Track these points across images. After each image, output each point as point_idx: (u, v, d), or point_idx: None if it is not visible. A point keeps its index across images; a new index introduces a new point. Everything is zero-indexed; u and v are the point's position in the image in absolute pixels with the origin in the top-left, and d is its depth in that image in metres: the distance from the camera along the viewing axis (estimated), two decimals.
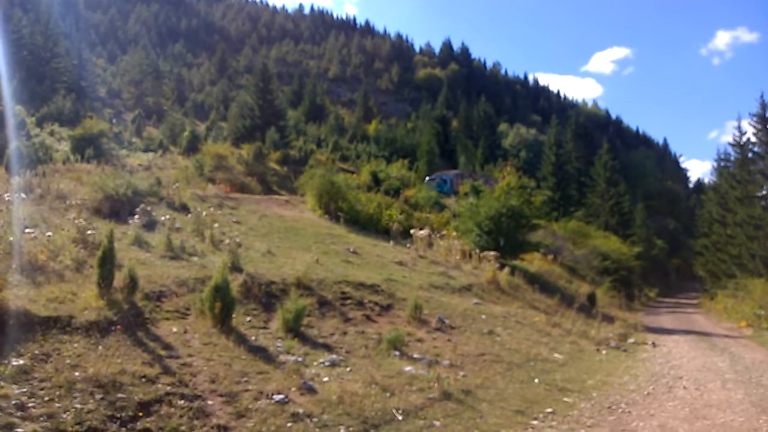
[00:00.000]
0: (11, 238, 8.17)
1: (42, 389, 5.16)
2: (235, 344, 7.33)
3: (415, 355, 8.79)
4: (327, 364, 7.60)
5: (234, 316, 7.98)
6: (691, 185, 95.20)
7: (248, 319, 8.59)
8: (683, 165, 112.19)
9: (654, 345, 14.23)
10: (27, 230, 8.88)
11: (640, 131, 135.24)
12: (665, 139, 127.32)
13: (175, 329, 7.34)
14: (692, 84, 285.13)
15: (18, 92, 42.31)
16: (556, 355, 11.05)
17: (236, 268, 10.16)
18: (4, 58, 46.22)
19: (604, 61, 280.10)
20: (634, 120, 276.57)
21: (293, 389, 6.43)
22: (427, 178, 41.50)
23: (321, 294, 10.41)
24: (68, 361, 5.72)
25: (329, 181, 21.67)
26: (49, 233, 9.13)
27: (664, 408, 7.81)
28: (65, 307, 6.84)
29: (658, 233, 56.07)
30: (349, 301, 10.63)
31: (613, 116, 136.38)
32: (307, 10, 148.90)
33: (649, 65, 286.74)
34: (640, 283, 36.22)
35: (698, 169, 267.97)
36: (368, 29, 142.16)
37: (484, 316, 12.42)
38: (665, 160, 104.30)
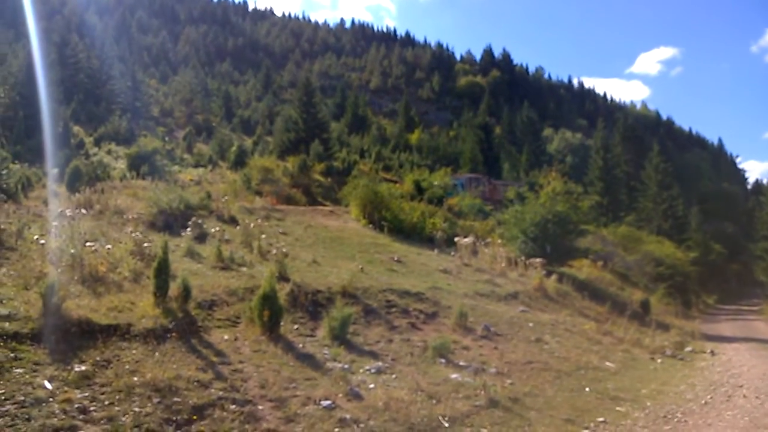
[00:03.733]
0: (73, 252, 8.64)
1: (103, 393, 5.44)
2: (284, 351, 7.51)
3: (461, 363, 8.76)
4: (373, 371, 7.67)
5: (282, 324, 8.18)
6: (749, 186, 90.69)
7: (295, 326, 8.77)
8: (740, 166, 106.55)
9: (712, 353, 13.67)
10: (88, 244, 9.35)
11: (693, 132, 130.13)
12: (720, 140, 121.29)
13: (226, 337, 7.59)
14: (744, 82, 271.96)
15: (77, 114, 44.71)
16: (607, 363, 10.77)
17: (283, 277, 10.39)
18: (64, 82, 48.86)
19: (650, 61, 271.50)
20: (686, 121, 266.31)
21: (340, 395, 6.54)
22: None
23: (366, 302, 10.52)
24: (127, 366, 6.01)
25: (373, 191, 21.84)
26: (109, 246, 9.60)
27: (723, 417, 7.51)
28: (124, 315, 7.19)
29: (716, 237, 53.58)
30: (394, 309, 10.70)
31: (664, 117, 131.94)
32: (348, 25, 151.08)
33: (698, 64, 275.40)
34: (698, 289, 34.69)
35: (756, 169, 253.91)
36: (408, 40, 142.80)
37: (531, 324, 12.24)
38: (721, 161, 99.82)
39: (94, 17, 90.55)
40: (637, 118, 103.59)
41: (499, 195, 41.39)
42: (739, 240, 58.05)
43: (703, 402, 8.40)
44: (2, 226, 10.21)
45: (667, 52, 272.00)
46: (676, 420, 7.35)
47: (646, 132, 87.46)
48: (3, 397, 4.98)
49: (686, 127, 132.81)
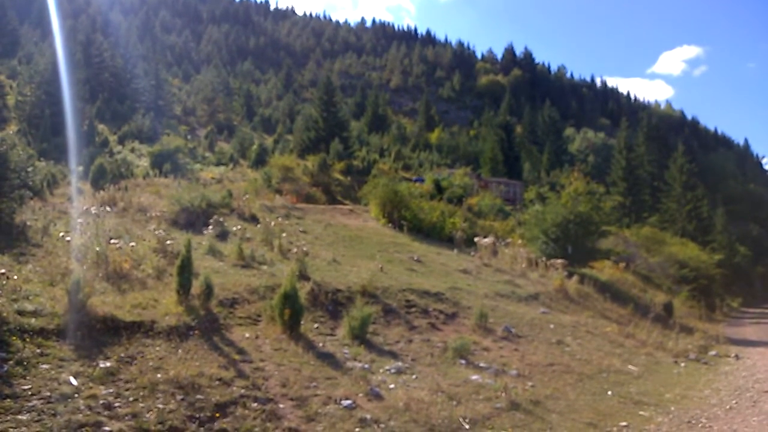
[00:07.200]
0: (98, 249, 8.77)
1: (127, 390, 5.50)
2: (304, 350, 7.53)
3: (482, 364, 8.69)
4: (393, 371, 7.66)
5: (302, 322, 8.21)
6: None
7: (316, 325, 8.80)
8: (766, 167, 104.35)
9: (737, 357, 13.38)
10: (112, 241, 9.49)
11: (719, 132, 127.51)
12: (746, 140, 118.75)
13: (247, 335, 7.64)
14: None
15: (101, 112, 45.51)
16: (630, 366, 10.61)
17: (303, 276, 10.42)
18: (89, 81, 49.72)
19: (674, 60, 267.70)
20: (711, 121, 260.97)
21: (360, 395, 6.53)
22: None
23: (386, 302, 10.50)
24: (151, 363, 6.08)
25: (392, 190, 21.82)
26: (132, 244, 9.73)
27: (748, 423, 7.35)
28: (148, 312, 7.27)
29: (741, 239, 52.49)
30: (413, 309, 10.67)
31: (689, 117, 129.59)
32: (368, 24, 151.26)
33: (722, 63, 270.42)
34: (722, 292, 33.97)
35: None
36: (429, 39, 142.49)
37: (552, 326, 12.11)
38: (746, 161, 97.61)
39: (119, 16, 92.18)
40: (661, 118, 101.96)
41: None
42: (765, 242, 56.86)
43: (728, 407, 8.22)
44: (28, 223, 10.44)
45: (690, 51, 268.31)
46: (700, 425, 7.21)
47: (670, 132, 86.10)
48: (29, 393, 5.06)
49: (711, 127, 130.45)
